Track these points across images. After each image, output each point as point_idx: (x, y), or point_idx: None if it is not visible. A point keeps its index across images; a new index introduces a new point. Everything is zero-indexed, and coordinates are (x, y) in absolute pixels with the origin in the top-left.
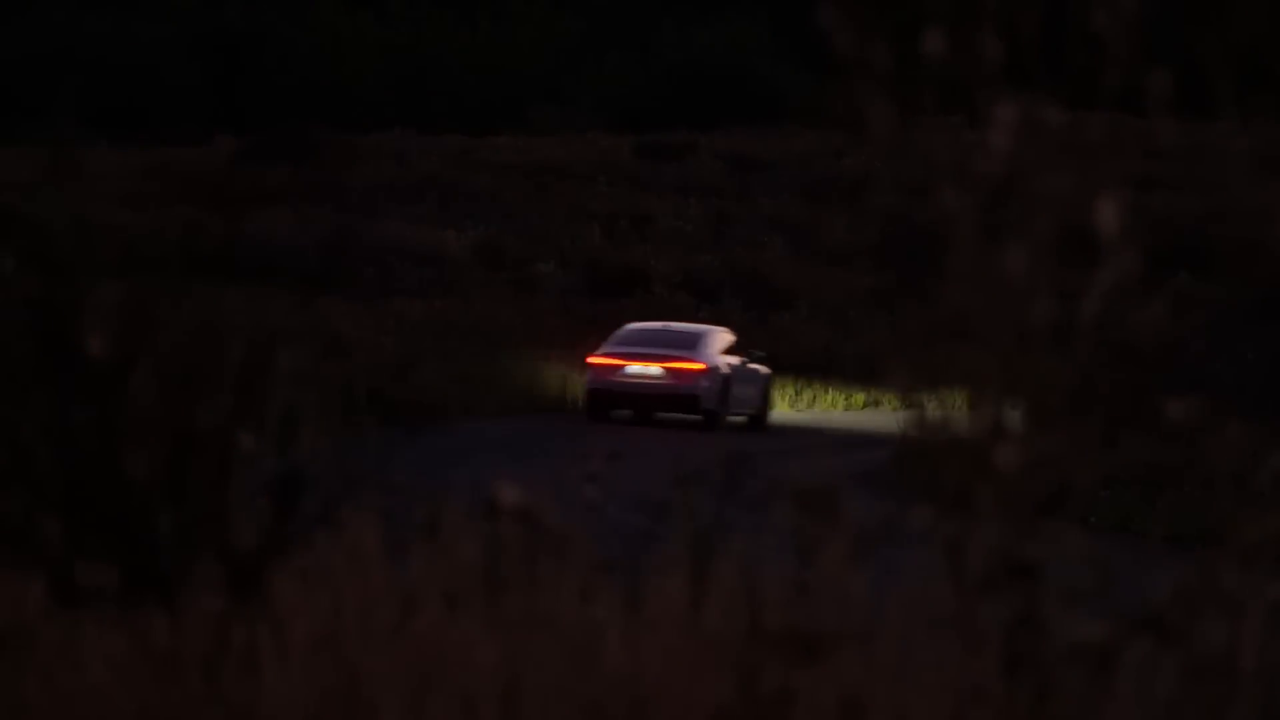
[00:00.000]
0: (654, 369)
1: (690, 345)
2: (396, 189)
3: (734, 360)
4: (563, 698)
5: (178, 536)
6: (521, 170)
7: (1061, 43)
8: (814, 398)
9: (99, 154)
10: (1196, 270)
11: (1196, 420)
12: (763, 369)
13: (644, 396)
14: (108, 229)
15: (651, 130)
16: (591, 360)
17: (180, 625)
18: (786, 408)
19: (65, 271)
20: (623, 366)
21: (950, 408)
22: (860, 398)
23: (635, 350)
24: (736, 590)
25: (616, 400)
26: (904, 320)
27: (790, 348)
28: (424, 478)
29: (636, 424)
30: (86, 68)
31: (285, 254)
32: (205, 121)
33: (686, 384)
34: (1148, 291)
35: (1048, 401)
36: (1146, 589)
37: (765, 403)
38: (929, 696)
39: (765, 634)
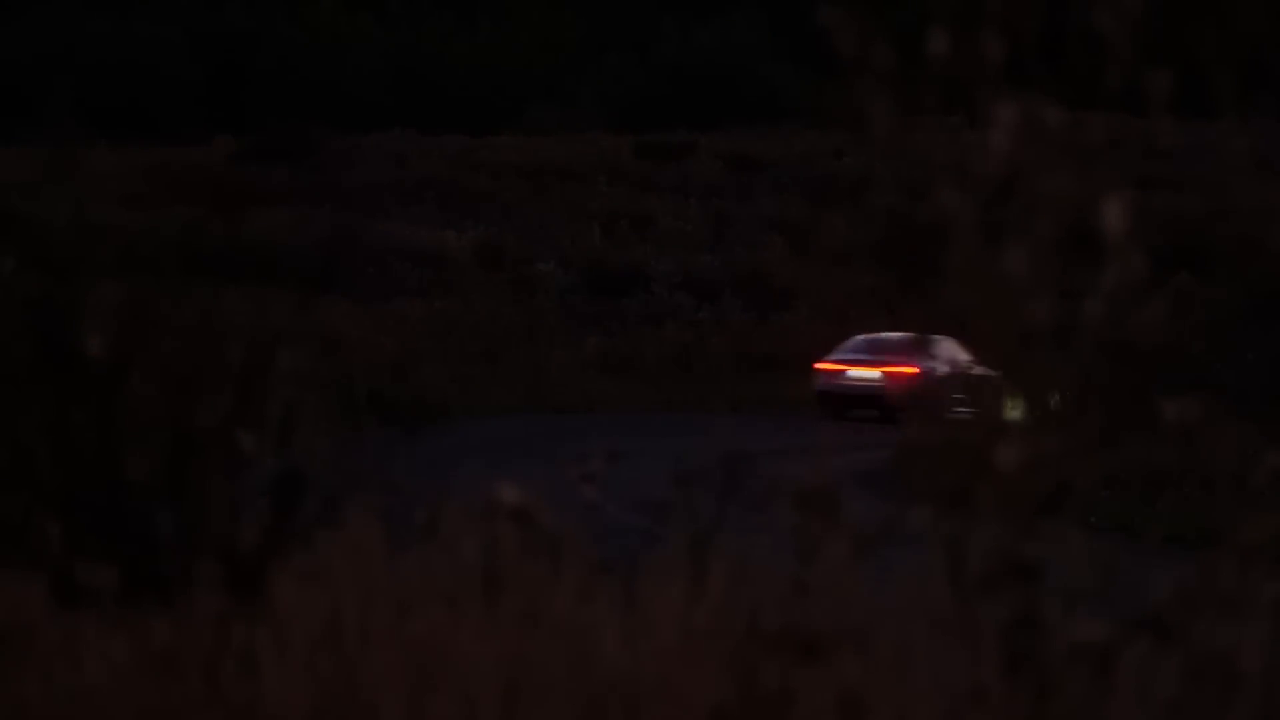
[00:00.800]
0: (872, 373)
1: (907, 352)
2: (396, 189)
3: (956, 366)
4: (562, 697)
5: (178, 536)
6: (521, 170)
7: (1062, 43)
8: None
9: (99, 154)
10: (1196, 270)
11: (1196, 420)
12: (991, 373)
13: (863, 397)
14: (107, 229)
15: (651, 130)
16: (819, 366)
17: (180, 625)
18: None
19: (65, 271)
20: (845, 371)
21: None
22: None
23: (857, 356)
24: (735, 590)
25: (840, 401)
26: (904, 320)
27: (791, 347)
28: (424, 478)
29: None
30: (86, 68)
31: (285, 254)
32: (205, 121)
33: (900, 386)
34: (1149, 291)
35: (1048, 401)
36: (1146, 589)
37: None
38: (929, 696)
39: (764, 634)
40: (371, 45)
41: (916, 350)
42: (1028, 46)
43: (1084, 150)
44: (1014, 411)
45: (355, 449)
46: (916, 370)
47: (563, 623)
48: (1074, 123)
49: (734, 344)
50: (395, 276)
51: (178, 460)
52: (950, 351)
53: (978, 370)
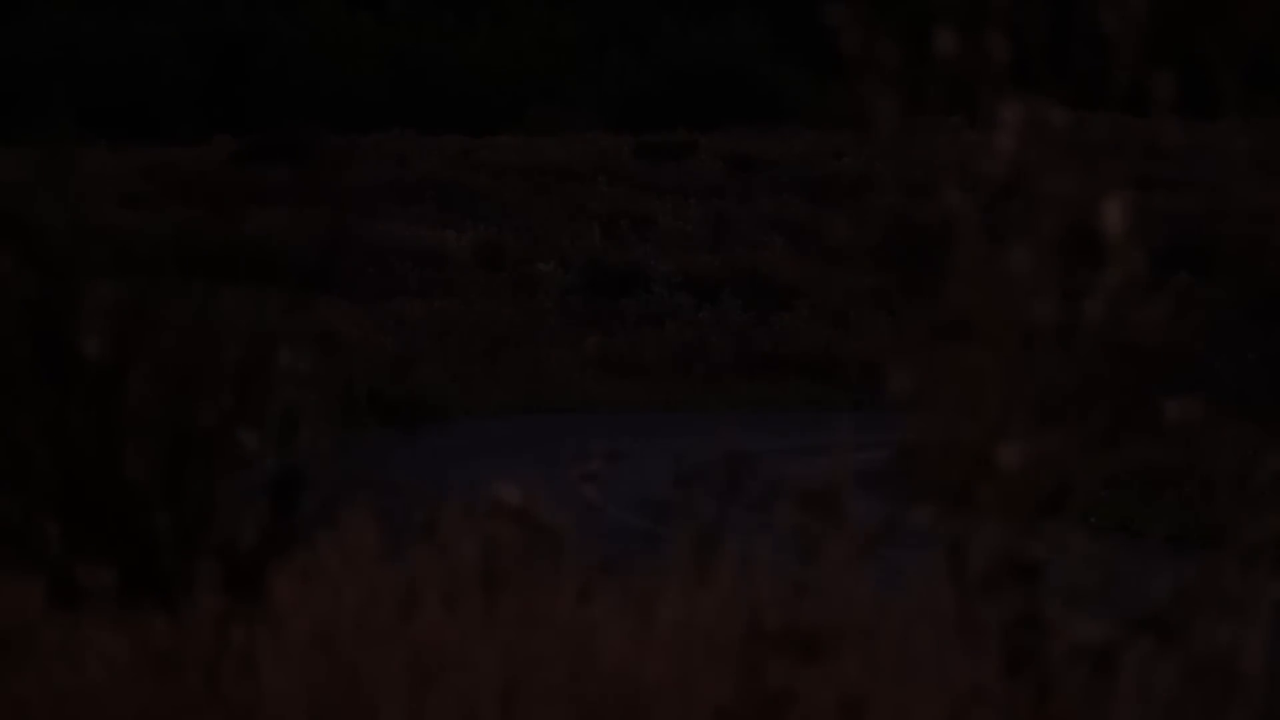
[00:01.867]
0: None
1: None
2: (396, 189)
3: None
4: (562, 698)
5: (178, 536)
6: (521, 170)
7: (1066, 43)
8: None
9: (98, 154)
10: (1197, 270)
11: (1196, 420)
12: None
13: None
14: (106, 229)
15: (651, 130)
16: None
17: (180, 625)
18: None
19: (62, 271)
20: None
21: (951, 408)
22: None
23: None
24: (737, 590)
25: None
26: (905, 321)
27: (790, 348)
28: (424, 478)
29: None
30: (86, 68)
31: (285, 254)
32: (205, 121)
33: None
34: (1150, 292)
35: (1049, 401)
36: (1146, 589)
37: None
38: (929, 696)
39: (765, 634)
40: (371, 45)
41: None
42: (1032, 47)
43: (1087, 150)
44: None
45: (355, 449)
46: None
47: (563, 623)
48: (1078, 123)
49: (734, 344)
50: (395, 276)
51: (178, 460)
52: None
53: None
